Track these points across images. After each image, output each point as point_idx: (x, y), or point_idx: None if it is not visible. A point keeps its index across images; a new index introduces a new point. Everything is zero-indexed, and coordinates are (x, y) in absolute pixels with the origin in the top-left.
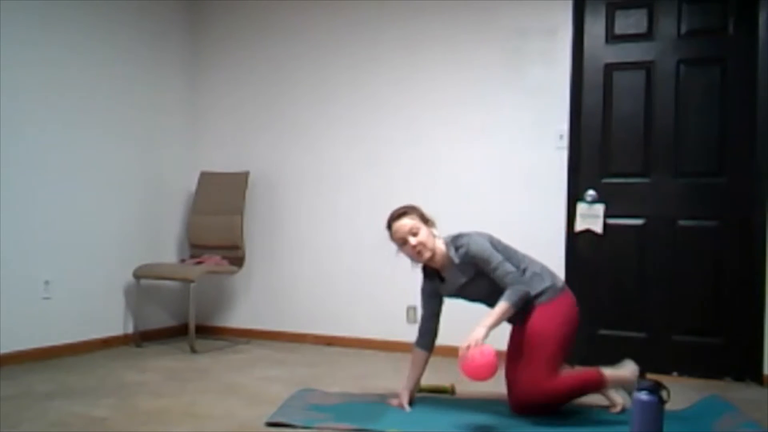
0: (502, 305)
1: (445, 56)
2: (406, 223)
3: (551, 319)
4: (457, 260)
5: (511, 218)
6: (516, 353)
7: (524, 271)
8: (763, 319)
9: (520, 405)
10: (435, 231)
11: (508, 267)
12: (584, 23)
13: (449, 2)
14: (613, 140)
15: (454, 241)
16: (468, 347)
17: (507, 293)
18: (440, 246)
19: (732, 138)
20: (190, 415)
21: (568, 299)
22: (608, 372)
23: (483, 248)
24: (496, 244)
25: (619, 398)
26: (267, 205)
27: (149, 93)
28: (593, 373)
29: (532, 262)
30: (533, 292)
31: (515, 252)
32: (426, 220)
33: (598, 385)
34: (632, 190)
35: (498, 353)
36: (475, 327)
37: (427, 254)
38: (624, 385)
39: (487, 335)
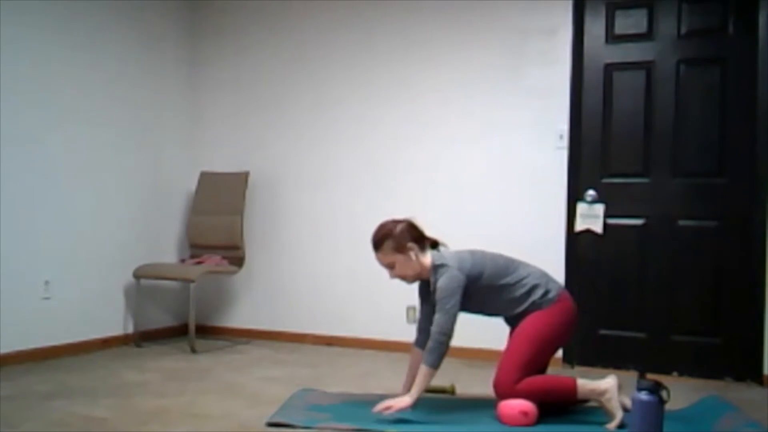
0: (423, 370)
1: (445, 56)
2: (381, 258)
3: (534, 325)
4: (433, 288)
5: (511, 218)
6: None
7: (519, 282)
8: (763, 319)
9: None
10: (412, 254)
11: (443, 319)
12: (584, 23)
13: (449, 2)
14: (613, 140)
15: (437, 270)
16: (386, 408)
17: (426, 357)
18: (425, 264)
19: (732, 138)
20: (190, 415)
21: (559, 308)
22: (581, 382)
23: (445, 290)
24: (477, 277)
25: (618, 413)
26: (267, 205)
27: (149, 93)
28: (565, 380)
29: (529, 272)
30: (525, 304)
31: (509, 265)
32: (404, 245)
33: (567, 392)
34: (632, 190)
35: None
36: (405, 397)
37: (408, 281)
38: (598, 397)
39: (414, 403)
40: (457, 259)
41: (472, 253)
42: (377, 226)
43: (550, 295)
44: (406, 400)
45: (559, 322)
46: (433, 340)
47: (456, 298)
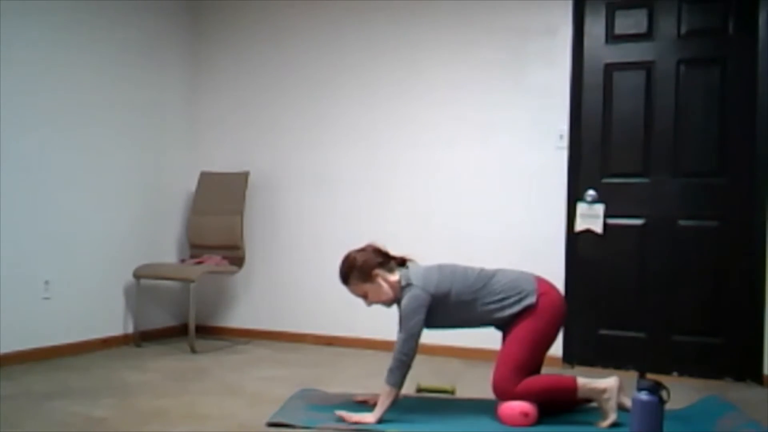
0: (385, 389)
1: (445, 56)
2: (352, 290)
3: (524, 329)
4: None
5: (512, 218)
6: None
7: (491, 292)
8: (763, 319)
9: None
10: (380, 280)
11: (404, 338)
12: (584, 23)
13: (449, 2)
14: (613, 140)
15: (403, 290)
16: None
17: (388, 376)
18: (395, 285)
19: (732, 138)
20: (190, 415)
21: (543, 306)
22: (582, 381)
23: (406, 310)
24: (445, 293)
25: (612, 414)
26: (267, 205)
27: (149, 93)
28: (566, 380)
29: (501, 280)
30: (504, 312)
31: (480, 277)
32: (369, 273)
33: (568, 391)
34: (632, 190)
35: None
36: (368, 414)
37: (387, 306)
38: (597, 396)
39: (377, 421)
40: (422, 278)
41: (441, 269)
42: (341, 261)
43: (529, 300)
44: (368, 417)
45: (547, 320)
46: (394, 360)
47: (418, 318)
